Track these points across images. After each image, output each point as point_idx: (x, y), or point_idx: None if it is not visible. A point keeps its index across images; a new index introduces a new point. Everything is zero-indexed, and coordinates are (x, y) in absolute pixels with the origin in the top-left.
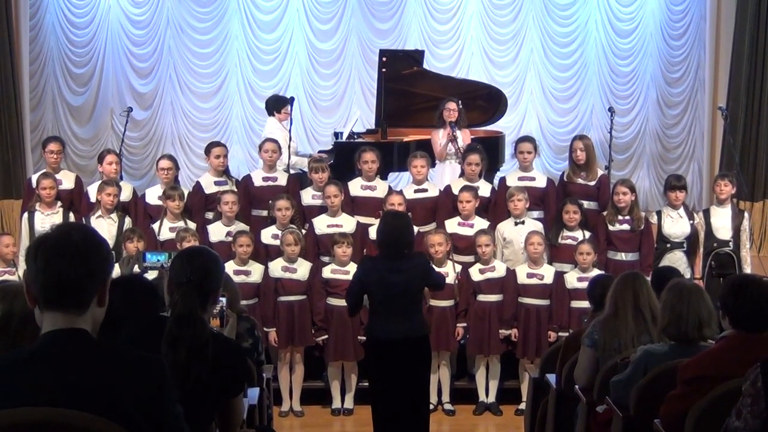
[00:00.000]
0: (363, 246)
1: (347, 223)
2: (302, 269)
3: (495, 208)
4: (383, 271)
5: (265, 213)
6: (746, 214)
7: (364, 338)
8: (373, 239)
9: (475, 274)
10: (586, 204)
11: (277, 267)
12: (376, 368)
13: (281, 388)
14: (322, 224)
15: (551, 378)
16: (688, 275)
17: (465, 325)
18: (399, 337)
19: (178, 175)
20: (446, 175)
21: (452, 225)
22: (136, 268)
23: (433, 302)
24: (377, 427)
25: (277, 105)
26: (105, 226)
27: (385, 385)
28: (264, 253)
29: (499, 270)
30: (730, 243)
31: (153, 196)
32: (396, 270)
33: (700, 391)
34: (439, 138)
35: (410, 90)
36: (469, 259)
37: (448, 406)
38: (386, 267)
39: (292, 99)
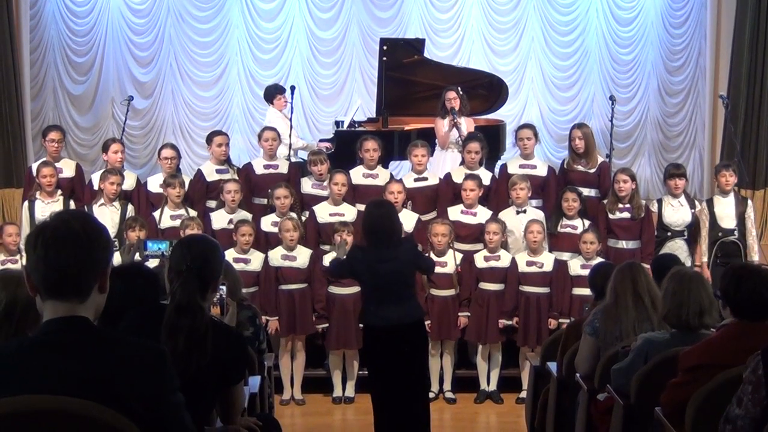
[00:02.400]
0: None
1: (349, 211)
2: (302, 257)
3: (496, 196)
4: (372, 261)
5: (266, 201)
6: (749, 202)
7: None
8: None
9: (480, 260)
10: (586, 192)
11: (276, 255)
12: (374, 355)
13: (282, 376)
14: (324, 212)
15: (552, 366)
16: (689, 263)
17: (468, 314)
18: (394, 323)
19: (179, 164)
20: (447, 163)
21: (455, 213)
22: (137, 257)
23: (434, 292)
24: (377, 413)
25: (272, 94)
26: (108, 214)
27: (382, 371)
28: (264, 241)
29: (503, 260)
30: (735, 231)
31: (155, 184)
32: (385, 259)
33: (701, 379)
34: (443, 126)
35: (411, 79)
36: (471, 247)
37: (449, 395)
38: (375, 257)
39: (292, 88)
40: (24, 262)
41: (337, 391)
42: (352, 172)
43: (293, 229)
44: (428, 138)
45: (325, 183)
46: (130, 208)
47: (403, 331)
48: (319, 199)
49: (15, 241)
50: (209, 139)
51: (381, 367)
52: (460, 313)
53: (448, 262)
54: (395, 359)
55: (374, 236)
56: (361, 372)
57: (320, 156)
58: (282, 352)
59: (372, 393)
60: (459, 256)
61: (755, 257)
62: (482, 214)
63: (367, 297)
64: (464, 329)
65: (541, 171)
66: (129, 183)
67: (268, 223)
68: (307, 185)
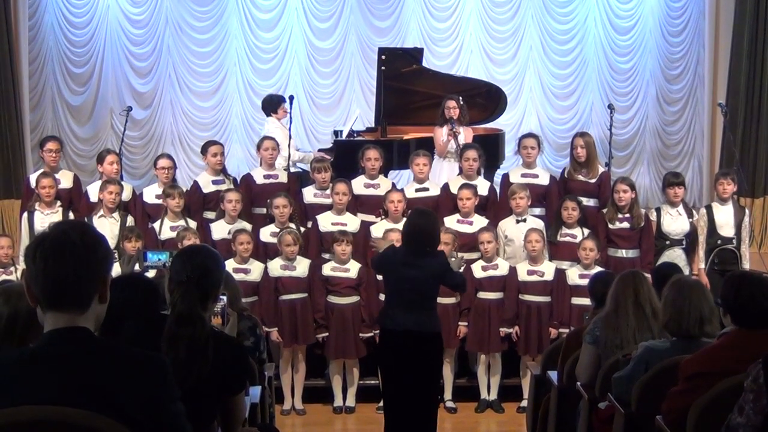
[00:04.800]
0: (366, 244)
1: (351, 221)
2: (301, 267)
3: (497, 205)
4: (400, 263)
5: (265, 211)
6: (747, 211)
7: (368, 335)
8: (376, 237)
9: (477, 271)
10: (586, 201)
11: (275, 266)
12: (387, 358)
13: (283, 386)
14: (326, 222)
15: (553, 375)
16: (687, 272)
17: (467, 323)
18: (408, 329)
19: (178, 174)
20: (444, 173)
21: (451, 222)
22: (137, 267)
23: None
24: (388, 419)
25: (272, 105)
26: (107, 226)
27: (393, 376)
28: (263, 252)
29: (501, 268)
30: (733, 240)
31: (151, 195)
32: (412, 265)
33: (702, 387)
34: (441, 135)
35: (409, 88)
36: (468, 256)
37: (450, 404)
38: (404, 260)
39: (291, 97)
40: (18, 274)
41: (338, 401)
42: (353, 182)
43: (293, 243)
44: (427, 147)
45: (328, 191)
46: (130, 219)
47: (417, 339)
48: (321, 208)
49: (7, 253)
50: (204, 150)
51: (393, 371)
52: (459, 323)
53: None
54: (407, 365)
55: (412, 242)
56: (361, 381)
57: (324, 163)
58: (283, 363)
59: (383, 397)
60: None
61: (746, 265)
62: (478, 223)
63: (389, 299)
64: (464, 339)
65: (543, 180)
66: (126, 194)
67: (267, 233)
68: (309, 194)
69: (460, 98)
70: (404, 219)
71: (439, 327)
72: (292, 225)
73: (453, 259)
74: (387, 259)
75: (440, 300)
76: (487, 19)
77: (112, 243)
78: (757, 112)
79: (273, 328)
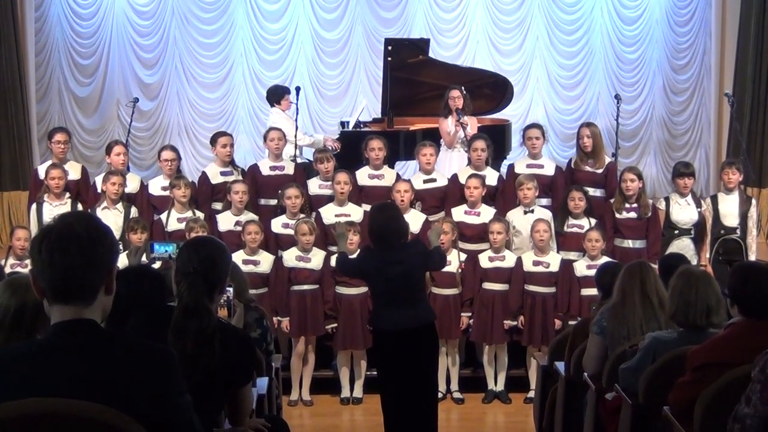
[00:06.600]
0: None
1: (355, 212)
2: (316, 259)
3: (504, 196)
4: (382, 264)
5: (273, 202)
6: (754, 201)
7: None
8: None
9: (484, 261)
10: (592, 191)
11: (291, 257)
12: (383, 358)
13: (293, 377)
14: (329, 213)
15: (560, 366)
16: (695, 262)
17: (469, 314)
18: (404, 327)
19: (185, 165)
20: (453, 163)
21: (459, 213)
22: (143, 259)
23: (436, 290)
24: (387, 415)
25: (276, 95)
26: (111, 217)
27: (392, 374)
28: (275, 243)
29: (508, 260)
30: (737, 230)
31: (156, 186)
32: (394, 262)
33: (709, 377)
34: (448, 126)
35: (416, 79)
36: (476, 247)
37: (457, 395)
38: (384, 259)
39: (297, 89)
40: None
41: (345, 392)
42: (358, 173)
43: (309, 233)
44: (434, 138)
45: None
46: (134, 210)
47: (413, 334)
48: (327, 199)
49: (24, 245)
50: (213, 140)
51: (390, 369)
52: (462, 313)
53: (452, 261)
54: (405, 362)
55: (381, 239)
56: (368, 372)
57: (326, 154)
58: (296, 356)
59: (381, 395)
60: (463, 255)
61: (752, 257)
62: (486, 213)
63: (377, 300)
64: (466, 330)
65: (549, 170)
66: (133, 185)
67: (278, 224)
68: (314, 186)
69: (462, 88)
70: (412, 210)
71: (432, 316)
72: (303, 215)
73: (434, 226)
74: (365, 263)
75: (442, 291)
76: (493, 9)
77: (116, 234)
78: (764, 101)
79: (285, 317)
